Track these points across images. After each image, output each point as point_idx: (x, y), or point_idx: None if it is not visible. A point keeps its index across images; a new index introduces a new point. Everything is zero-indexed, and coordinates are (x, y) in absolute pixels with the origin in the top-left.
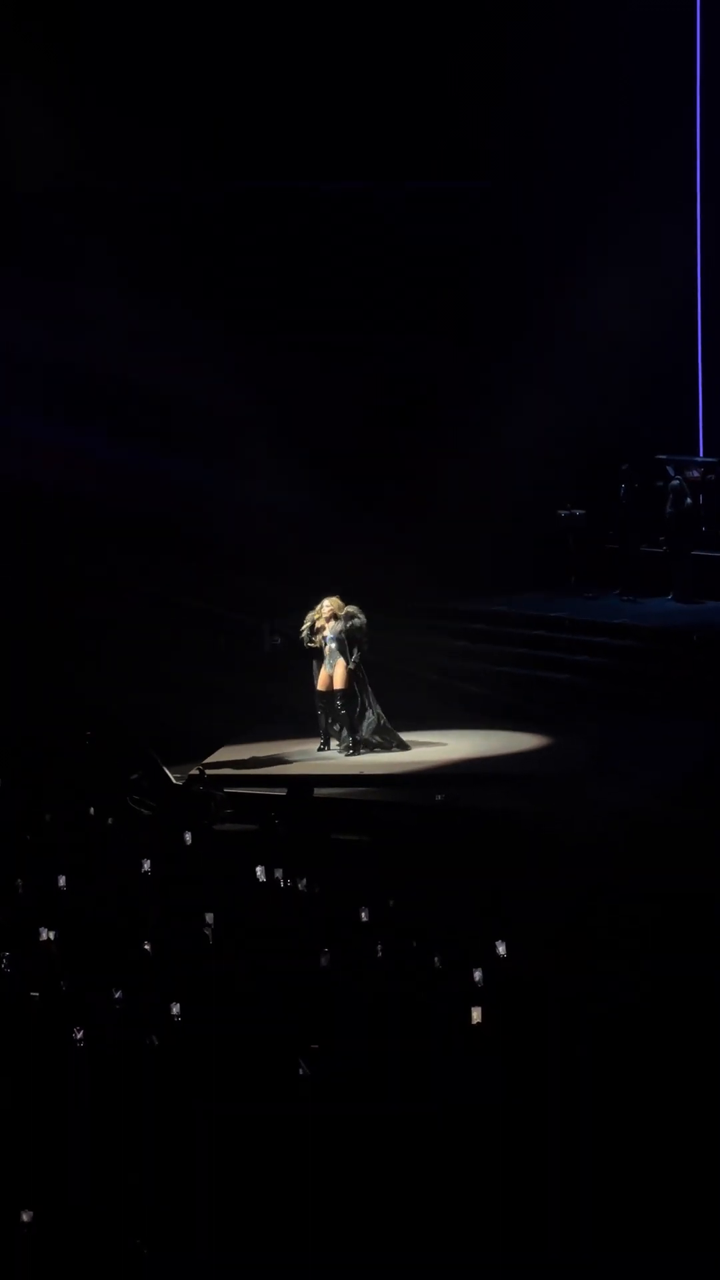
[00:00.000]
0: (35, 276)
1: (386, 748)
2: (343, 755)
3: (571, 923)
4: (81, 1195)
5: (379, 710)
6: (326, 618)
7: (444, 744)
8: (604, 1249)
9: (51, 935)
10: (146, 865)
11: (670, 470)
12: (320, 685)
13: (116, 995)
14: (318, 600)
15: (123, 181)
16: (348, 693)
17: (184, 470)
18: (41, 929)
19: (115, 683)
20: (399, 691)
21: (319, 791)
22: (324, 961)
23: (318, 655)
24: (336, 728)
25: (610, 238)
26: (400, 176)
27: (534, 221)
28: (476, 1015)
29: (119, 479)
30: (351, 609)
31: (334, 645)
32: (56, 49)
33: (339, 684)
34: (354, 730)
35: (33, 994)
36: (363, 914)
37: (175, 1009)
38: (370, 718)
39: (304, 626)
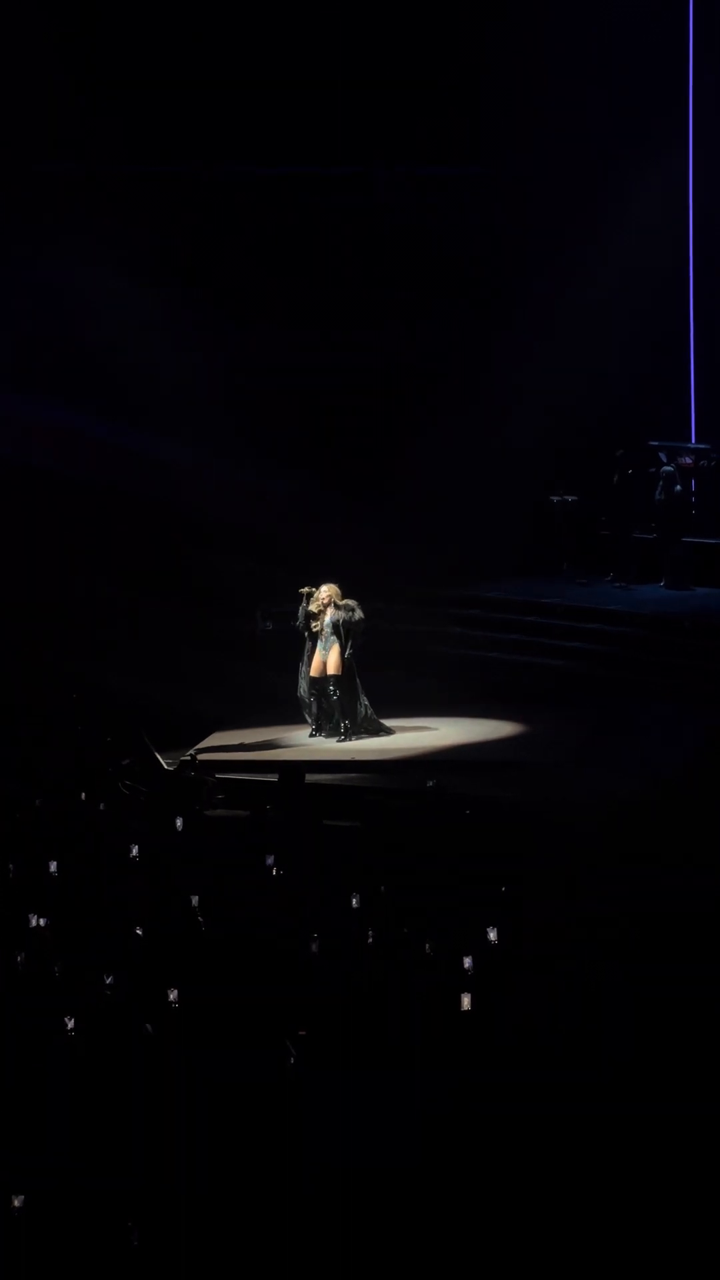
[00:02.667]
0: (13, 252)
1: (373, 734)
2: (334, 741)
3: (562, 909)
4: (72, 1179)
5: (366, 700)
6: (324, 604)
7: (435, 729)
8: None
9: (42, 921)
10: (138, 851)
11: (662, 456)
12: (314, 671)
13: (108, 980)
14: (312, 586)
15: (112, 163)
16: (342, 679)
17: (173, 451)
18: (32, 915)
19: (106, 667)
20: (390, 677)
21: (310, 777)
22: (314, 948)
23: (313, 641)
24: (319, 714)
25: (602, 223)
26: (390, 161)
27: (526, 206)
28: (466, 1002)
29: (108, 459)
30: (350, 602)
31: (330, 631)
32: (41, 25)
33: (332, 669)
34: (345, 715)
35: (25, 980)
36: (353, 900)
37: (173, 995)
38: (359, 708)
39: (300, 616)
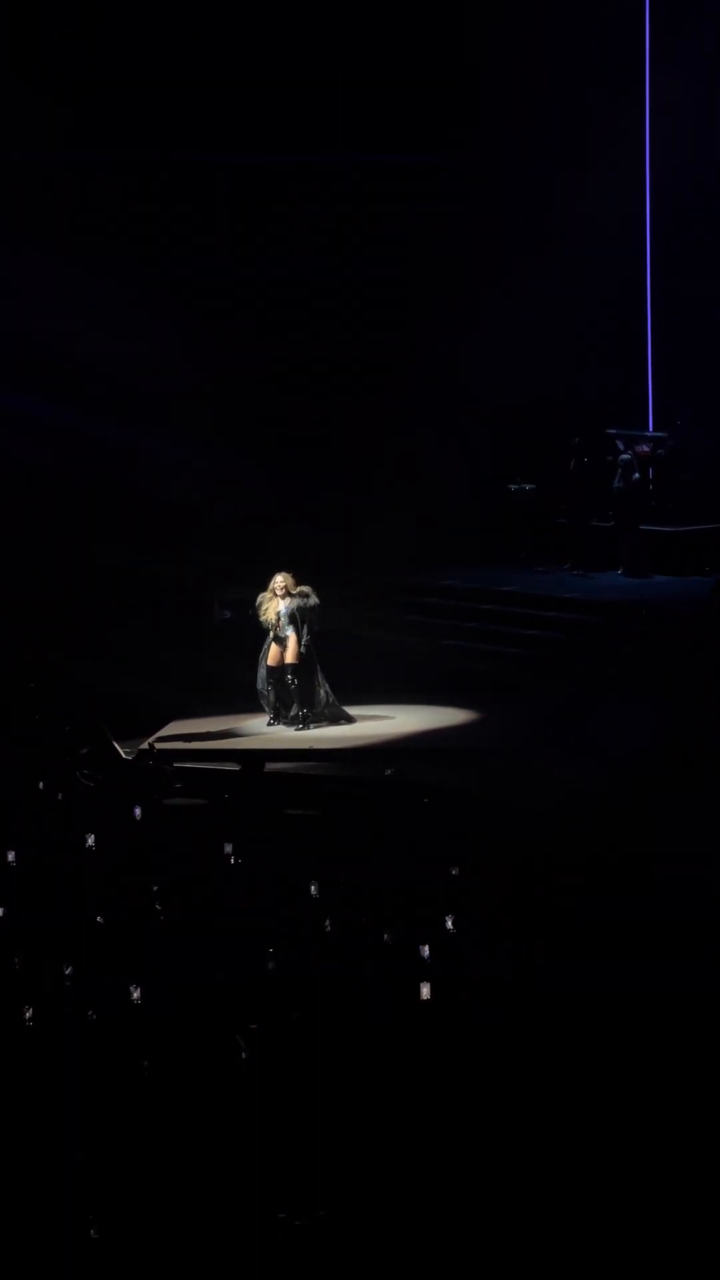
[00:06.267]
0: None
1: (334, 722)
2: (292, 730)
3: (519, 897)
4: (33, 1174)
5: (327, 687)
6: (280, 593)
7: (392, 717)
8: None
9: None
10: (96, 840)
11: (620, 445)
12: (271, 660)
13: (67, 971)
14: (267, 576)
15: (66, 152)
16: (300, 667)
17: (130, 438)
18: None
19: (64, 655)
20: (348, 665)
21: (269, 766)
22: (271, 937)
23: (271, 635)
24: (278, 704)
25: (559, 213)
26: (347, 149)
27: (483, 196)
28: (425, 991)
29: (70, 446)
30: (305, 589)
31: (287, 620)
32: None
33: (289, 658)
34: (304, 704)
35: None
36: (312, 889)
37: (136, 994)
38: (320, 694)
39: (261, 611)
